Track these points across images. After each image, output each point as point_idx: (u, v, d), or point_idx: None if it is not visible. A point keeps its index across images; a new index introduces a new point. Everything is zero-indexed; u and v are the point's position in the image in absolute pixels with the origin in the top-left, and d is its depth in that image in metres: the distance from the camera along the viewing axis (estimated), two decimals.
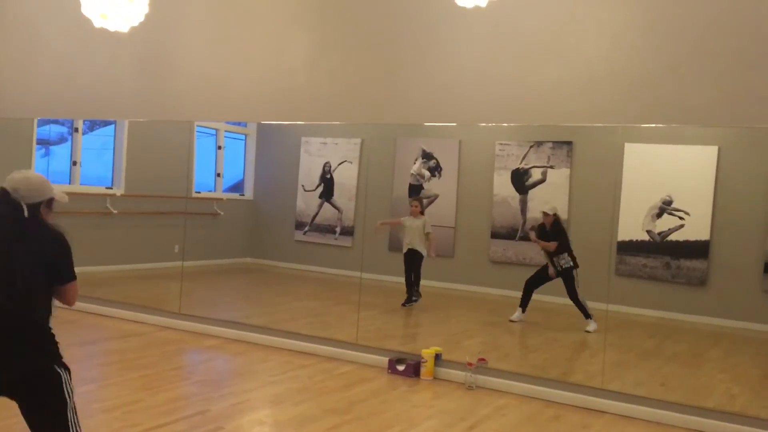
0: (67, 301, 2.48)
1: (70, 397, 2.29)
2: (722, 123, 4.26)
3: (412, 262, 6.60)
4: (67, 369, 2.32)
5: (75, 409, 2.31)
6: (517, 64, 4.65)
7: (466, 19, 4.70)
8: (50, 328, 2.35)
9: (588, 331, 5.57)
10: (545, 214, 5.90)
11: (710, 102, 4.15)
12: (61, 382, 2.28)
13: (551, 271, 5.71)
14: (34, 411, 2.25)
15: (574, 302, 5.63)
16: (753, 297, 5.66)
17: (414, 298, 6.58)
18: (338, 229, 7.94)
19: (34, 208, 2.40)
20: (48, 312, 2.37)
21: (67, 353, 2.43)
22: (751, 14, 4.05)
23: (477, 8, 3.80)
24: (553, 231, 5.80)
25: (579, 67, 4.48)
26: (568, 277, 5.65)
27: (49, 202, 2.48)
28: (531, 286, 5.86)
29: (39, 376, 2.25)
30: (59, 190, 2.55)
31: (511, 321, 5.93)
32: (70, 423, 2.27)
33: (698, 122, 4.29)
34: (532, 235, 6.08)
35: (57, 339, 2.36)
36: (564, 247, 5.72)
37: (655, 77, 4.28)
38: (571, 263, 5.66)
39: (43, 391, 2.25)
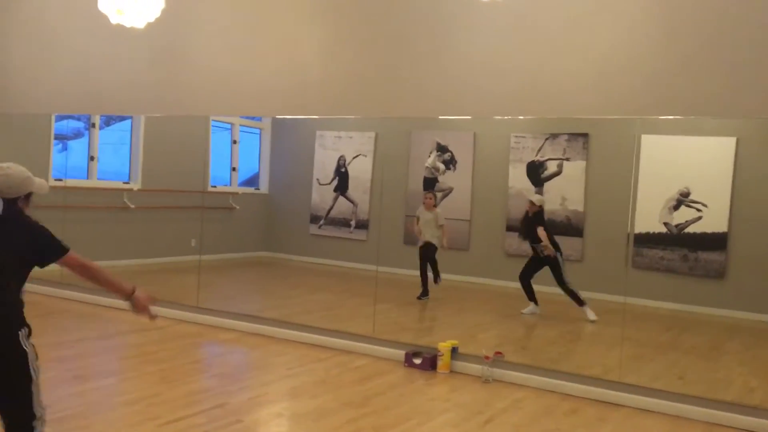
0: (82, 271, 2.56)
1: (36, 374, 2.35)
2: (739, 114, 4.22)
3: (427, 254, 6.61)
4: (29, 336, 2.36)
5: (39, 385, 2.37)
6: (532, 56, 4.63)
7: (480, 12, 4.68)
8: (21, 307, 2.39)
9: (592, 321, 5.62)
10: (532, 203, 5.96)
11: (727, 93, 4.12)
12: (27, 360, 2.32)
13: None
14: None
15: (563, 290, 5.69)
16: None
17: (427, 296, 6.60)
18: (353, 223, 7.95)
19: (11, 203, 2.47)
20: (19, 295, 2.42)
21: (87, 346, 2.47)
22: (766, 4, 4.00)
23: (492, 1, 3.78)
24: (535, 219, 5.85)
25: (594, 59, 4.45)
26: (553, 264, 5.71)
27: (28, 196, 2.55)
28: (526, 278, 5.89)
29: (5, 353, 2.30)
30: (40, 180, 2.60)
31: (523, 314, 5.93)
32: (33, 399, 2.34)
33: (715, 114, 4.25)
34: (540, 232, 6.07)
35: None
36: (535, 238, 5.83)
37: (671, 69, 4.24)
38: (554, 251, 5.71)
39: (9, 367, 2.30)
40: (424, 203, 6.77)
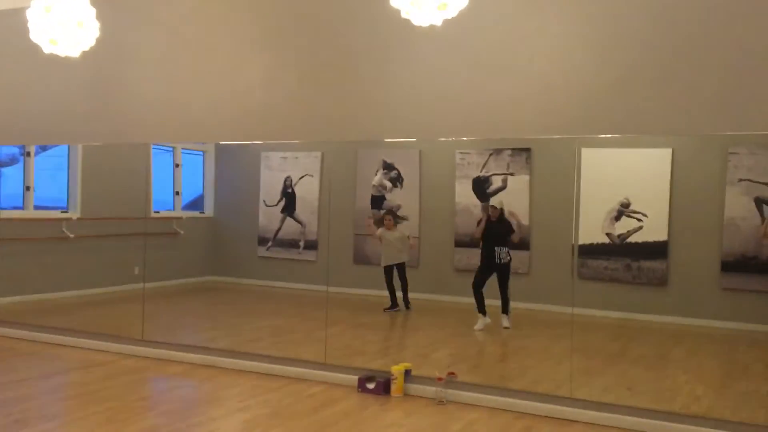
0: None
1: None
2: (672, 131, 4.37)
3: (401, 272, 6.63)
4: None
5: None
6: (473, 79, 4.69)
7: (421, 38, 4.72)
8: None
9: (505, 327, 5.80)
10: (494, 207, 6.03)
11: (662, 111, 4.25)
12: None
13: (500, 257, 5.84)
14: None
15: (504, 296, 5.79)
16: (712, 295, 5.77)
17: (397, 307, 6.61)
18: (302, 244, 7.88)
19: None
20: None
21: (27, 387, 2.36)
22: (701, 24, 4.15)
23: (432, 27, 3.81)
24: (501, 223, 5.93)
25: (533, 80, 4.54)
26: (507, 270, 5.81)
27: None
28: (479, 287, 5.93)
29: None
30: None
31: (478, 330, 5.96)
32: None
33: (649, 131, 4.38)
34: (478, 230, 6.14)
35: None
36: (508, 239, 5.84)
37: (607, 88, 4.36)
38: (510, 258, 5.80)
39: None
40: (384, 224, 6.80)
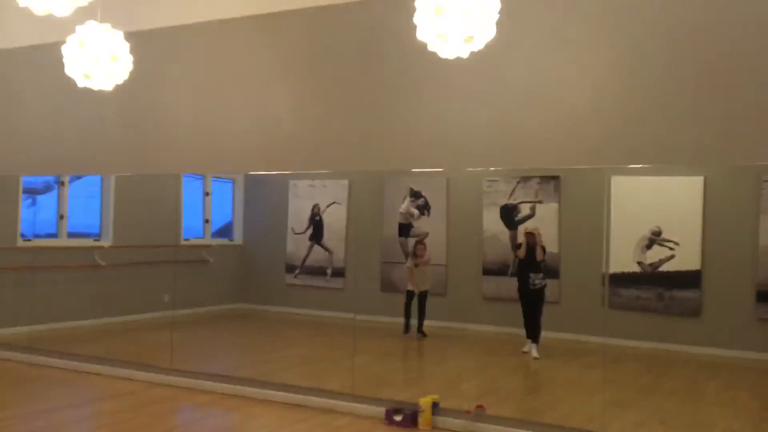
0: None
1: None
2: (705, 162, 4.31)
3: (421, 301, 6.59)
4: None
5: None
6: (501, 110, 4.69)
7: (449, 68, 4.73)
8: None
9: (535, 358, 5.68)
10: (533, 234, 5.95)
11: (693, 141, 4.20)
12: None
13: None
14: None
15: (537, 323, 5.70)
16: (747, 325, 5.64)
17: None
18: (329, 271, 7.88)
19: None
20: None
21: (58, 416, 2.38)
22: (732, 53, 4.11)
23: (459, 59, 3.82)
24: (535, 249, 5.86)
25: (563, 111, 4.52)
26: (542, 296, 5.73)
27: None
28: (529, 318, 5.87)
29: None
30: None
31: (524, 352, 5.90)
32: None
33: (682, 162, 4.34)
34: (521, 251, 6.08)
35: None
36: (543, 265, 5.78)
37: (637, 118, 4.32)
38: (545, 283, 5.72)
39: None
40: (417, 254, 6.80)
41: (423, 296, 6.61)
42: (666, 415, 4.95)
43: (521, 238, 6.05)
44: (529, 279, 5.83)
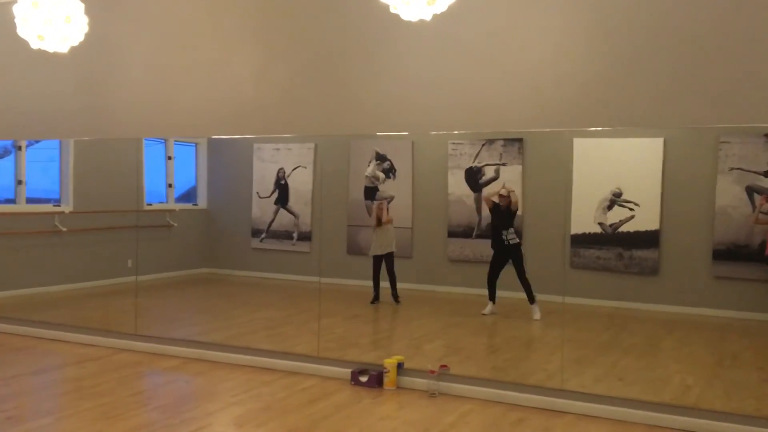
0: None
1: None
2: (667, 124, 4.36)
3: (389, 266, 6.61)
4: None
5: None
6: (464, 72, 4.68)
7: (412, 31, 4.70)
8: None
9: (536, 319, 5.74)
10: (502, 196, 6.03)
11: (654, 103, 4.25)
12: None
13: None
14: None
15: (522, 281, 5.77)
16: (703, 283, 5.81)
17: (378, 301, 6.61)
18: (295, 235, 7.88)
19: None
20: None
21: (20, 383, 2.37)
22: (691, 16, 4.15)
23: (422, 21, 3.79)
24: (506, 208, 5.95)
25: (525, 73, 4.53)
26: (518, 253, 5.82)
27: None
28: (494, 278, 5.97)
29: None
30: None
31: (485, 314, 6.00)
32: None
33: (643, 124, 4.38)
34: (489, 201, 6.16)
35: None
36: (512, 222, 5.90)
37: (598, 81, 4.36)
38: (518, 239, 5.81)
39: None
40: (377, 215, 6.80)
41: (390, 260, 6.63)
42: (623, 371, 5.10)
43: (496, 198, 6.09)
44: (502, 236, 5.91)
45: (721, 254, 5.60)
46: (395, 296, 6.57)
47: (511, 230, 5.89)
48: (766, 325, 5.29)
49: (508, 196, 5.99)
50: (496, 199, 6.08)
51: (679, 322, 5.89)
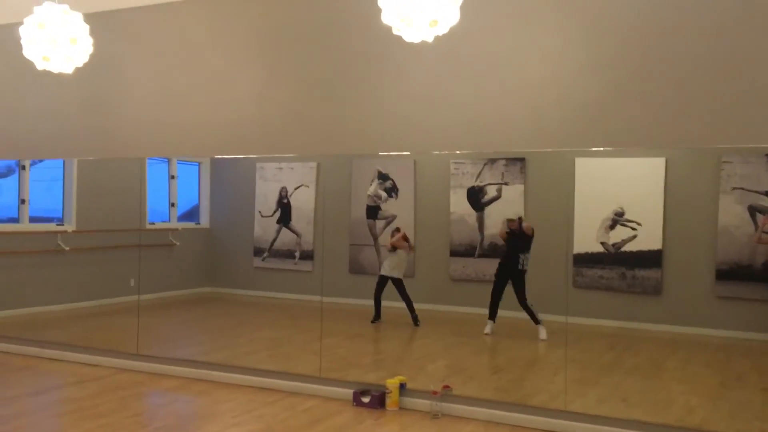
0: None
1: None
2: (668, 144, 4.38)
3: (401, 290, 6.59)
4: None
5: None
6: (466, 93, 4.71)
7: (415, 52, 4.74)
8: None
9: (542, 339, 5.69)
10: (512, 221, 6.02)
11: (655, 123, 4.26)
12: None
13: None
14: None
15: (524, 306, 5.75)
16: (706, 303, 5.78)
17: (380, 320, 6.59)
18: (297, 254, 7.87)
19: None
20: None
21: (21, 404, 2.36)
22: (692, 37, 4.17)
23: (424, 43, 3.82)
24: (522, 232, 5.94)
25: (526, 94, 4.56)
26: (523, 278, 5.80)
27: None
28: (497, 297, 5.94)
29: None
30: None
31: (485, 333, 5.97)
32: None
33: (644, 144, 4.40)
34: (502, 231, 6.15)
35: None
36: (530, 246, 5.87)
37: (600, 101, 4.38)
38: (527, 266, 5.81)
39: None
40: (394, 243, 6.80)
41: (399, 285, 6.62)
42: (627, 392, 5.07)
43: (506, 227, 6.08)
44: (518, 260, 5.89)
45: (724, 274, 5.57)
46: (415, 319, 6.55)
47: (528, 256, 5.86)
48: None
49: (518, 219, 5.99)
50: (507, 228, 6.07)
51: (682, 342, 5.86)
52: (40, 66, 4.61)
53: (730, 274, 5.55)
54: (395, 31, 3.74)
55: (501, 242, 6.12)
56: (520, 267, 5.84)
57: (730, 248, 5.59)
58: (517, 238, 6.01)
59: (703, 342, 5.74)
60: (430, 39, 3.86)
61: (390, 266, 6.68)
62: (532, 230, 5.99)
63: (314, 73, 5.20)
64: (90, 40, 4.56)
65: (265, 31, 5.43)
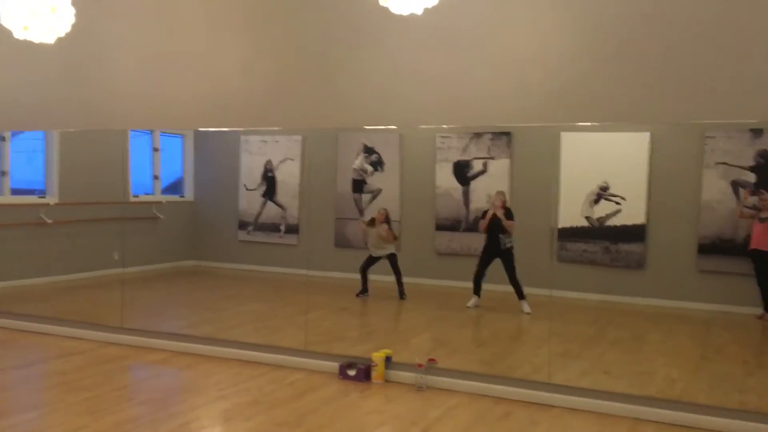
0: None
1: None
2: (653, 119, 4.39)
3: (393, 263, 6.63)
4: None
5: None
6: (453, 67, 4.68)
7: (402, 25, 4.68)
8: None
9: (526, 313, 5.76)
10: (501, 198, 6.03)
11: (640, 98, 4.27)
12: None
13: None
14: None
15: (513, 282, 5.80)
16: (689, 277, 5.84)
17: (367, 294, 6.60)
18: (283, 228, 7.85)
19: None
20: None
21: (4, 378, 2.35)
22: (677, 13, 4.16)
23: (411, 15, 3.78)
24: (507, 212, 5.95)
25: (513, 68, 4.54)
26: (511, 256, 5.83)
27: None
28: (481, 273, 5.97)
29: None
30: None
31: (468, 307, 6.02)
32: None
33: (629, 119, 4.41)
34: (483, 224, 6.16)
35: None
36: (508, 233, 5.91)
37: (586, 76, 4.37)
38: (512, 244, 5.84)
39: None
40: (377, 218, 6.81)
41: (392, 258, 6.63)
42: (609, 365, 5.13)
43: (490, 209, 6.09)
44: (499, 240, 5.92)
45: (706, 248, 5.62)
46: (401, 293, 6.58)
47: (508, 235, 5.89)
48: (749, 318, 5.34)
49: (500, 198, 6.00)
50: (490, 210, 6.07)
51: (664, 316, 5.93)
52: (19, 35, 4.51)
53: (712, 248, 5.61)
54: (382, 3, 3.70)
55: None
56: (503, 247, 5.86)
57: (712, 223, 5.63)
58: (496, 226, 6.04)
59: (684, 315, 5.81)
60: (419, 11, 3.83)
61: (376, 246, 6.70)
62: (512, 225, 6.01)
63: (300, 46, 5.14)
64: (71, 10, 4.47)
65: (250, 3, 5.34)
